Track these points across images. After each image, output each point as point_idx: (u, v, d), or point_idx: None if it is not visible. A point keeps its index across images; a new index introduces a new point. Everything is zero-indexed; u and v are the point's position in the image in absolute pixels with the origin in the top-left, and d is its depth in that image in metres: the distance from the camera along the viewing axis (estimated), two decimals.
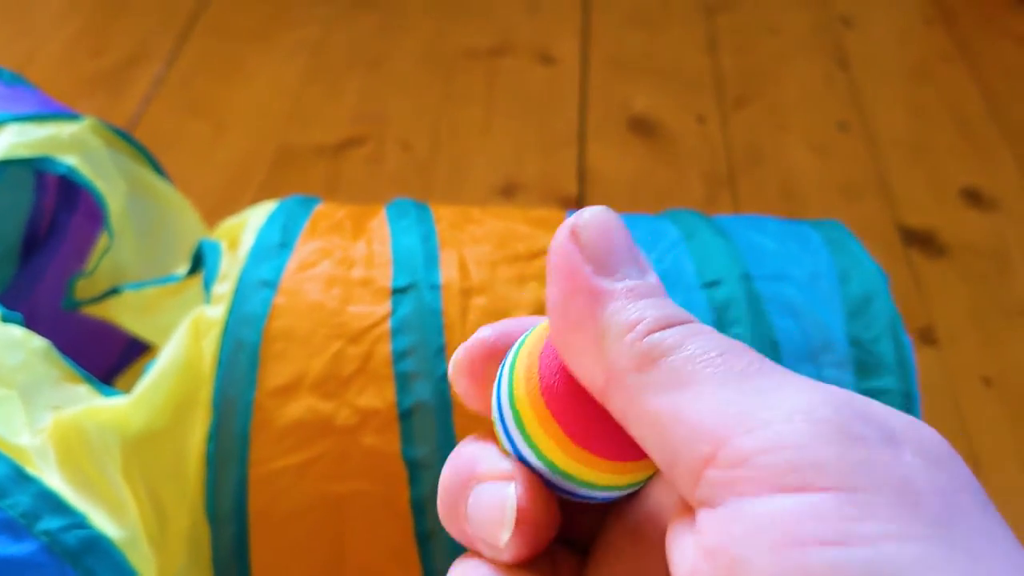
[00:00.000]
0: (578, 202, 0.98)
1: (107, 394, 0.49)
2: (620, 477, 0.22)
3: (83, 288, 0.62)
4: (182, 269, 0.59)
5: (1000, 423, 0.79)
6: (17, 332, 0.47)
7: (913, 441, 0.19)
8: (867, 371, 0.47)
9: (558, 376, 0.23)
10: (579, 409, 0.22)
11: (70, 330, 0.67)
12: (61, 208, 0.80)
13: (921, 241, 0.96)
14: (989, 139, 1.07)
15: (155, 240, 0.68)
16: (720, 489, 0.19)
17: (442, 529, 0.45)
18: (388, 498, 0.45)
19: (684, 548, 0.19)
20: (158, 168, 0.69)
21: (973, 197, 1.00)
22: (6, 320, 0.48)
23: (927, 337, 0.86)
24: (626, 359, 0.21)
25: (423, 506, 0.45)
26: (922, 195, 1.01)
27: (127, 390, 0.48)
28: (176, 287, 0.60)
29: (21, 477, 0.41)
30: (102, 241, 0.62)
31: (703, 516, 0.19)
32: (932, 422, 0.21)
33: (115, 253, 0.63)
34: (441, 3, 1.28)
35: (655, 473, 0.23)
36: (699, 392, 0.20)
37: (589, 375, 0.22)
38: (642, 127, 1.08)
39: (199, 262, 0.57)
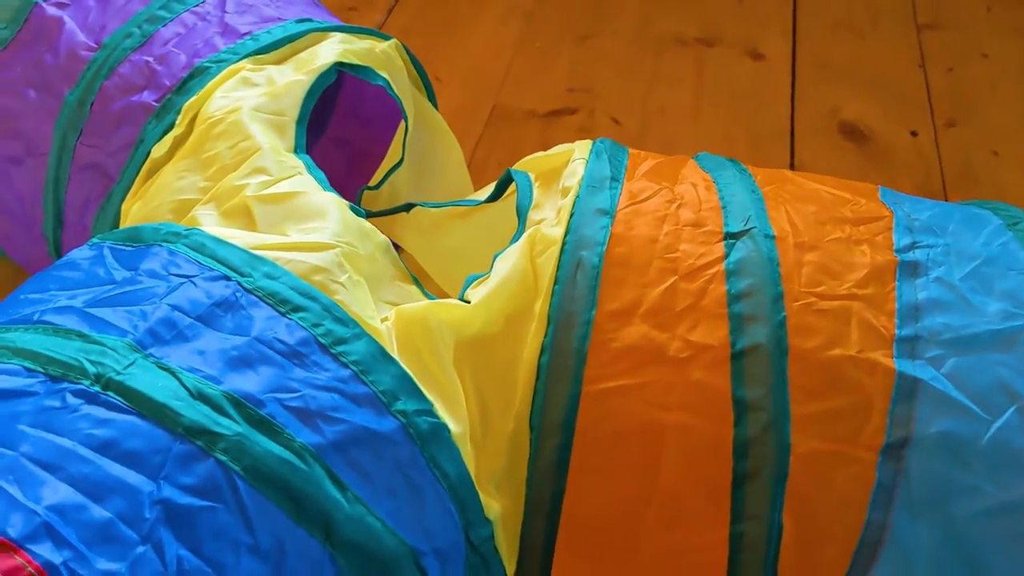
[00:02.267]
0: None
1: (430, 298, 0.50)
2: None
3: (367, 201, 0.64)
4: (480, 195, 0.60)
5: None
6: (366, 224, 0.49)
7: None
8: None
9: None
10: None
11: None
12: (309, 129, 0.82)
13: None
14: None
15: (424, 168, 0.69)
16: None
17: (759, 473, 0.45)
18: (711, 434, 0.45)
19: None
20: (434, 100, 0.71)
21: None
22: (354, 212, 0.49)
23: None
24: None
25: (745, 448, 0.45)
26: None
27: None
28: (463, 211, 0.61)
29: (384, 357, 0.43)
30: (390, 157, 0.64)
31: None
32: None
33: (395, 174, 0.65)
34: None
35: None
36: None
37: None
38: (853, 133, 1.07)
39: (501, 190, 0.58)
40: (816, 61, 1.18)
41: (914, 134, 1.08)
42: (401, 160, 0.62)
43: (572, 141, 1.02)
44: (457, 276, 0.61)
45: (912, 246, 0.49)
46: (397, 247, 0.67)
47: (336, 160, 0.80)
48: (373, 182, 0.63)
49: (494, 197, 0.59)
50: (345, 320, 0.43)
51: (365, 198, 0.63)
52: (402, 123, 0.63)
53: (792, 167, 1.01)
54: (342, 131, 0.80)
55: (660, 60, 1.16)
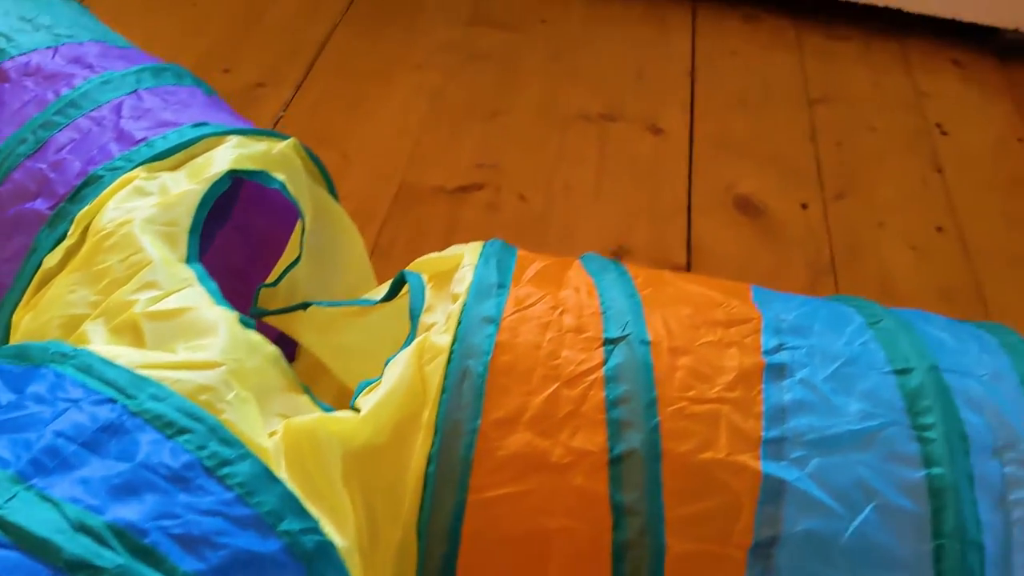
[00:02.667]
0: (687, 272, 1.01)
1: (323, 408, 0.51)
2: None
3: (264, 299, 0.65)
4: (374, 295, 0.62)
5: None
6: (255, 336, 0.50)
7: None
8: None
9: None
10: None
11: None
12: (211, 218, 0.83)
13: None
14: None
15: (325, 262, 0.71)
16: None
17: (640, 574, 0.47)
18: (592, 538, 0.47)
19: None
20: (334, 193, 0.72)
21: None
22: (243, 324, 0.50)
23: None
24: None
25: (623, 551, 0.47)
26: (1016, 308, 1.04)
27: None
28: (359, 310, 0.63)
29: (269, 477, 0.44)
30: (288, 255, 0.65)
31: None
32: None
33: (293, 270, 0.66)
34: (554, 64, 1.33)
35: None
36: None
37: None
38: (748, 208, 1.12)
39: (395, 292, 0.60)
40: (713, 136, 1.23)
41: (805, 207, 1.13)
42: (298, 258, 0.64)
43: (480, 219, 1.05)
44: (356, 372, 0.62)
45: (779, 347, 0.52)
46: (295, 343, 0.68)
47: (240, 249, 0.81)
48: (270, 279, 0.64)
49: (389, 297, 0.60)
50: (230, 441, 0.44)
51: (263, 295, 0.64)
52: (300, 221, 0.64)
53: (689, 243, 1.05)
54: (246, 219, 0.81)
55: (565, 136, 1.19)
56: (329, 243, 0.70)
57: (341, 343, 0.63)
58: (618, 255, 1.03)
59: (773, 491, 0.47)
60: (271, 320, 0.64)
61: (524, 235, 1.03)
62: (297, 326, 0.64)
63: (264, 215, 0.79)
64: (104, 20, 1.29)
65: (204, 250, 0.84)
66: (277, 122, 1.14)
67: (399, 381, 0.49)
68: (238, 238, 0.81)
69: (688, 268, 1.02)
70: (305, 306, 0.62)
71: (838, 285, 1.02)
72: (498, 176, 1.11)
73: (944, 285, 1.05)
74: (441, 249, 0.60)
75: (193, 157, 0.59)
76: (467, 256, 0.56)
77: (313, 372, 0.71)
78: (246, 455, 0.44)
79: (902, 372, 0.52)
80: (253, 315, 0.64)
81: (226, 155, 0.59)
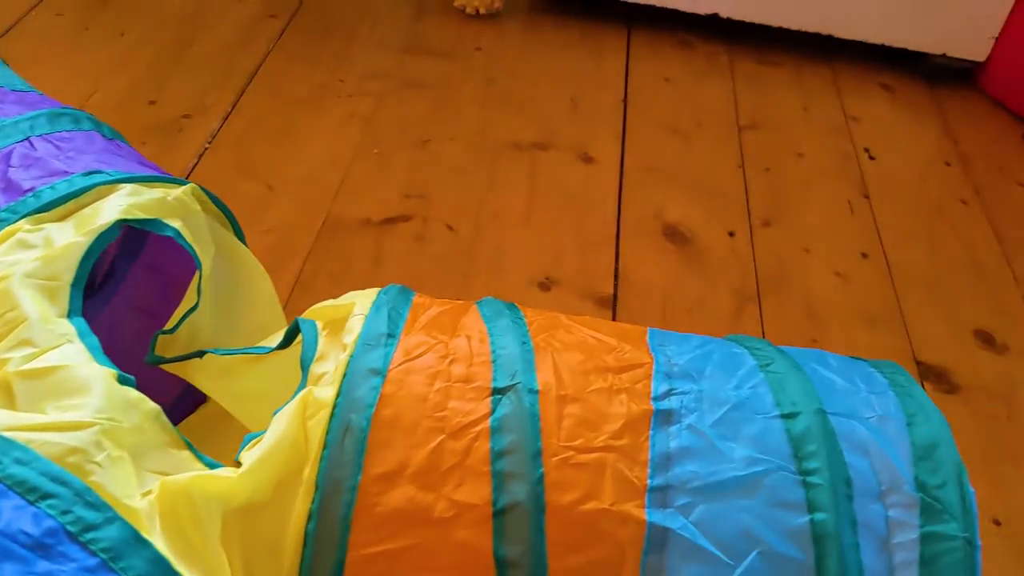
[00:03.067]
0: (613, 303, 1.01)
1: (207, 463, 0.50)
2: None
3: (163, 345, 0.64)
4: (270, 341, 0.61)
5: (1009, 564, 0.82)
6: (133, 394, 0.49)
7: None
8: (932, 515, 0.49)
9: None
10: None
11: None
12: (122, 255, 0.82)
13: (936, 376, 1.00)
14: (1002, 283, 1.12)
15: (230, 304, 0.70)
16: None
17: None
18: None
19: None
20: (240, 235, 0.72)
21: (986, 339, 1.05)
22: (121, 382, 0.50)
23: None
24: None
25: None
26: (937, 332, 1.05)
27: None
28: (256, 357, 0.62)
29: (137, 541, 0.43)
30: (187, 301, 0.64)
31: None
32: None
33: (195, 315, 0.65)
34: (488, 92, 1.33)
35: None
36: None
37: None
38: (675, 235, 1.12)
39: (291, 338, 0.60)
40: (643, 164, 1.24)
41: (731, 235, 1.14)
42: (196, 304, 0.63)
43: (406, 250, 1.05)
44: (258, 416, 0.61)
45: (668, 393, 0.52)
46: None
47: (151, 288, 0.80)
48: (168, 326, 0.63)
49: (284, 344, 0.60)
50: (97, 504, 0.43)
51: (162, 341, 0.63)
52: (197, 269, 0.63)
53: (616, 272, 1.05)
54: (156, 258, 0.80)
55: (496, 165, 1.20)
56: (235, 286, 0.70)
57: (240, 390, 0.62)
58: (546, 285, 1.03)
59: (658, 540, 0.47)
60: (170, 368, 0.63)
61: (452, 266, 1.03)
62: (195, 373, 0.63)
63: (175, 253, 0.78)
64: (29, 53, 1.28)
65: (114, 289, 0.83)
66: (203, 154, 1.13)
67: (282, 437, 0.48)
68: (149, 277, 0.80)
69: (615, 298, 1.02)
70: (201, 354, 0.61)
71: (762, 312, 1.03)
72: (426, 207, 1.11)
73: (868, 310, 1.07)
74: (364, 283, 0.59)
75: (82, 207, 0.58)
76: (358, 305, 0.56)
77: (220, 418, 0.70)
78: (113, 518, 0.43)
79: (789, 416, 0.52)
80: (149, 363, 0.63)
81: (116, 204, 0.58)
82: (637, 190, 1.19)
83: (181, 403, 0.77)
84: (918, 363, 1.01)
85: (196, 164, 1.11)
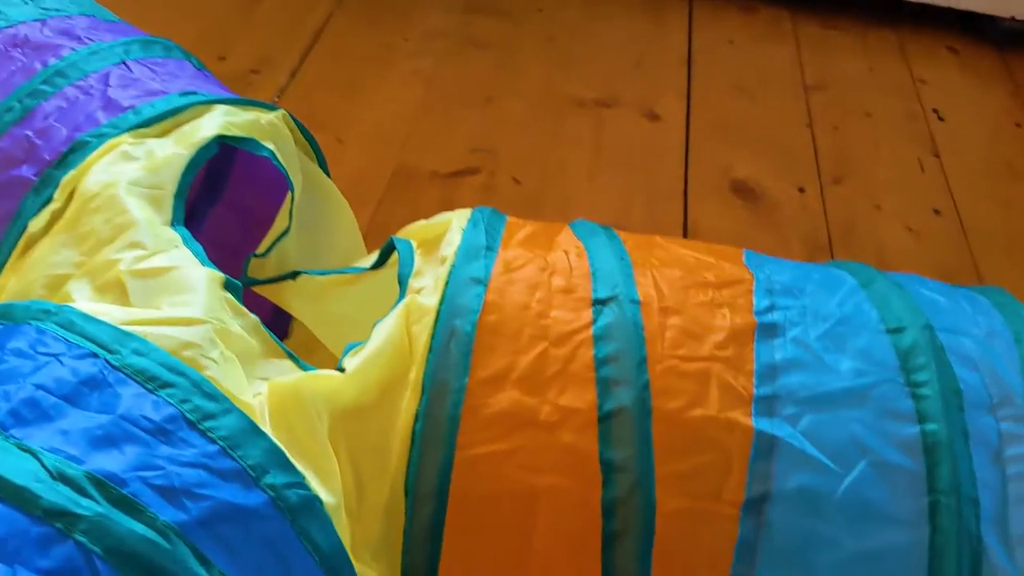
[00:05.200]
0: None
1: (307, 369, 0.51)
2: None
3: (254, 269, 0.65)
4: (363, 263, 0.61)
5: None
6: (237, 304, 0.50)
7: None
8: None
9: None
10: None
11: None
12: (202, 198, 0.82)
13: None
14: None
15: (316, 235, 0.70)
16: None
17: (627, 533, 0.46)
18: (581, 496, 0.47)
19: None
20: (325, 167, 0.72)
21: None
22: (227, 286, 0.50)
23: None
24: None
25: (613, 508, 0.46)
26: (1015, 288, 1.03)
27: None
28: (349, 278, 0.62)
29: (253, 431, 0.43)
30: (278, 225, 0.64)
31: None
32: None
33: (283, 241, 0.66)
34: (550, 52, 1.33)
35: None
36: None
37: None
38: (744, 191, 1.11)
39: (385, 258, 0.60)
40: (710, 122, 1.23)
41: (801, 191, 1.13)
42: (288, 229, 0.63)
43: (474, 201, 1.04)
44: (346, 342, 0.62)
45: (771, 308, 0.52)
46: (288, 315, 0.67)
47: (233, 227, 0.80)
48: (260, 250, 0.64)
49: (378, 264, 0.60)
50: (214, 395, 0.43)
51: (253, 266, 0.64)
52: (289, 192, 0.64)
53: (685, 226, 1.04)
54: (238, 198, 0.80)
55: (560, 121, 1.19)
56: (319, 215, 0.70)
57: (331, 312, 0.62)
58: None
59: (765, 448, 0.47)
60: (261, 289, 0.64)
61: (518, 215, 1.03)
62: (287, 295, 0.63)
63: (255, 193, 0.78)
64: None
65: (197, 229, 0.83)
66: None
67: (386, 341, 0.49)
68: (230, 216, 0.80)
69: None
70: (295, 275, 0.61)
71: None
72: (493, 160, 1.11)
73: (941, 266, 1.05)
74: None
75: (180, 125, 0.59)
76: (455, 221, 0.56)
77: (304, 350, 0.70)
78: (230, 409, 0.43)
79: (895, 331, 0.51)
80: (243, 284, 0.63)
81: (214, 122, 0.58)
82: (704, 147, 1.18)
83: None
84: None
85: None
